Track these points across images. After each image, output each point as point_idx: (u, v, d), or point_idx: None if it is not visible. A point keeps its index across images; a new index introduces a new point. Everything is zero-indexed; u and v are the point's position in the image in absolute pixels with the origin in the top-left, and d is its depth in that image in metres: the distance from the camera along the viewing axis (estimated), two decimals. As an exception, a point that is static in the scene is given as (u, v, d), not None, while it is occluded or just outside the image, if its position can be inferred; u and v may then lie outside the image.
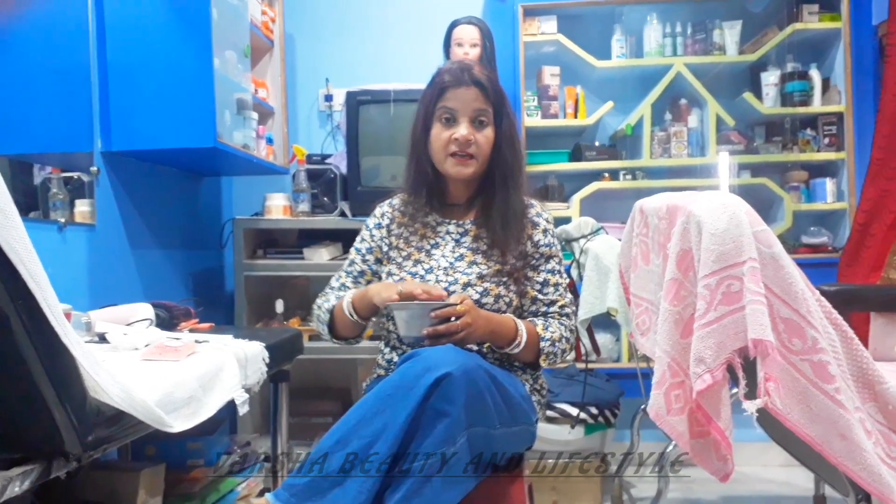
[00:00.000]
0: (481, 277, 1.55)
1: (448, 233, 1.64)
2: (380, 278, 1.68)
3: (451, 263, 1.58)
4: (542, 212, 1.66)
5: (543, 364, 1.58)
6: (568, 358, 2.84)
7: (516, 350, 1.52)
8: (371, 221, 1.72)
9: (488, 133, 1.57)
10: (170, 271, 2.62)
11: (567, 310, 1.62)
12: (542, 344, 1.54)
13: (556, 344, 1.56)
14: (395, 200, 1.72)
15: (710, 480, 1.34)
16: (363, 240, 1.71)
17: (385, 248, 1.67)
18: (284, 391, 1.99)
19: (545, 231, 1.63)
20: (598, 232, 2.56)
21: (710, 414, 1.25)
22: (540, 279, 1.61)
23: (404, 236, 1.65)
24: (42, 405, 0.92)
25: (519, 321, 1.53)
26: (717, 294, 1.22)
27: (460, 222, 1.65)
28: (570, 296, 1.64)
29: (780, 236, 2.14)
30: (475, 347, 1.52)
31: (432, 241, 1.63)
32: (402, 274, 1.60)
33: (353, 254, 1.71)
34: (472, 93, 1.56)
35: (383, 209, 1.72)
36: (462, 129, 1.55)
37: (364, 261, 1.69)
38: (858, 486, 1.22)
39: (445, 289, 1.54)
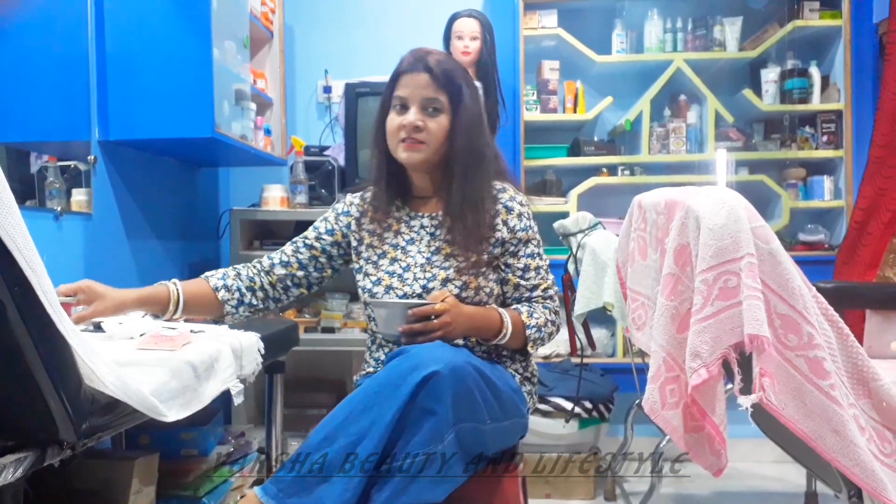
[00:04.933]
0: (459, 271, 1.53)
1: (423, 227, 1.61)
2: (328, 258, 1.66)
3: (427, 259, 1.56)
4: (515, 195, 1.61)
5: (531, 350, 1.57)
6: (562, 352, 2.87)
7: (502, 341, 1.51)
8: (339, 206, 1.69)
9: (441, 120, 1.53)
10: (166, 261, 2.62)
11: (550, 292, 1.60)
12: (528, 331, 1.53)
13: (542, 329, 1.55)
14: (367, 194, 1.68)
15: (703, 476, 1.35)
16: (325, 220, 1.68)
17: (354, 243, 1.64)
18: (279, 382, 1.99)
19: (520, 215, 1.59)
20: (596, 227, 2.56)
21: (705, 409, 1.25)
22: (520, 265, 1.58)
23: (377, 233, 1.62)
24: (37, 393, 0.92)
25: (503, 311, 1.52)
26: (714, 289, 1.22)
27: (434, 214, 1.62)
28: (551, 277, 1.62)
29: (777, 233, 2.14)
30: (462, 342, 1.52)
31: (407, 238, 1.61)
32: (380, 273, 1.58)
33: (308, 231, 1.68)
34: (423, 79, 1.52)
35: (355, 200, 1.69)
36: (409, 116, 1.52)
37: (318, 238, 1.66)
38: (851, 483, 1.22)
39: (424, 286, 1.53)
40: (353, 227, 1.65)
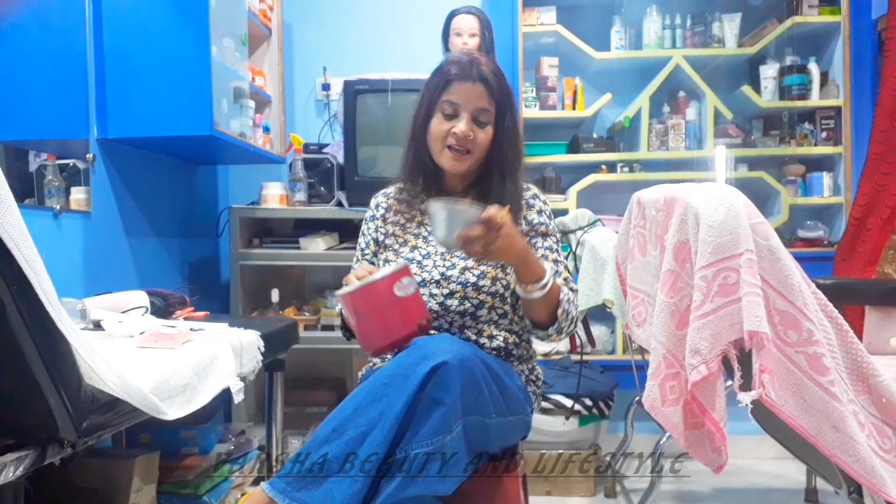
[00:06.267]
0: (478, 261, 1.54)
1: None
2: None
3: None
4: (538, 195, 1.65)
5: (558, 314, 1.50)
6: (562, 349, 2.87)
7: (540, 292, 1.44)
8: (367, 214, 1.72)
9: (488, 132, 1.56)
10: (165, 259, 2.62)
11: (571, 284, 1.60)
12: (561, 296, 1.50)
13: (571, 303, 1.53)
14: (390, 189, 1.71)
15: (704, 472, 1.35)
16: (363, 234, 1.71)
17: (381, 238, 1.67)
18: (279, 380, 1.99)
19: (540, 211, 1.62)
20: (595, 224, 2.57)
21: (705, 405, 1.25)
22: (538, 255, 1.58)
23: (400, 223, 1.65)
24: (37, 391, 0.92)
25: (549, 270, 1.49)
26: (714, 286, 1.22)
27: None
28: (570, 274, 1.63)
29: (776, 230, 2.15)
30: (473, 338, 1.53)
31: (430, 228, 1.62)
32: (399, 259, 1.60)
33: (357, 251, 1.71)
34: (478, 90, 1.53)
35: (377, 200, 1.72)
36: (461, 125, 1.53)
37: (364, 256, 1.69)
38: (851, 478, 1.23)
39: (442, 273, 1.55)
40: (381, 224, 1.68)
